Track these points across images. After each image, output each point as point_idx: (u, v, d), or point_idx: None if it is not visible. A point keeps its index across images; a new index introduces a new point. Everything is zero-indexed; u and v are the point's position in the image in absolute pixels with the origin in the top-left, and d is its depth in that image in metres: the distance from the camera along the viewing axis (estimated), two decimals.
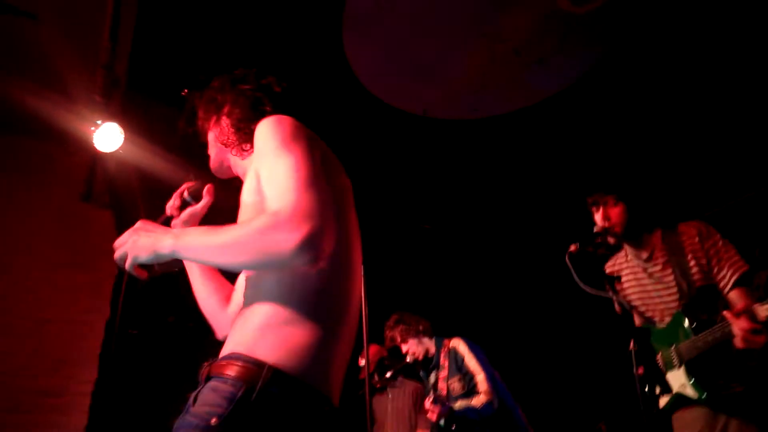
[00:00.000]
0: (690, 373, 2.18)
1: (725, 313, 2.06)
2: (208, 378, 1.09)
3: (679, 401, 2.23)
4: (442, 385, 3.23)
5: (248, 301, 1.18)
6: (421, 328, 3.65)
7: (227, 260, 1.08)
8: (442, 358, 3.39)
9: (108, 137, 3.48)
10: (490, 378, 3.28)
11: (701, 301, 2.24)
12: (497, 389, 3.28)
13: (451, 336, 3.58)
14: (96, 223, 4.48)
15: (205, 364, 1.16)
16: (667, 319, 2.33)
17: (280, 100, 1.49)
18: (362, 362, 4.01)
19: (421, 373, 3.59)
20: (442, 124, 4.31)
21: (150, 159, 3.71)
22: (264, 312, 1.12)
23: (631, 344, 1.98)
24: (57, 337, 4.13)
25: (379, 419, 3.94)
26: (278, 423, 1.02)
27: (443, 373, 3.29)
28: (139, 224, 1.20)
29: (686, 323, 2.23)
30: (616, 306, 2.02)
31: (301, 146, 1.17)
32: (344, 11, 3.32)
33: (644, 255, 2.43)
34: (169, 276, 1.48)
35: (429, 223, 5.22)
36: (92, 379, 4.15)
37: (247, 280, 1.24)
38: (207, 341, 1.30)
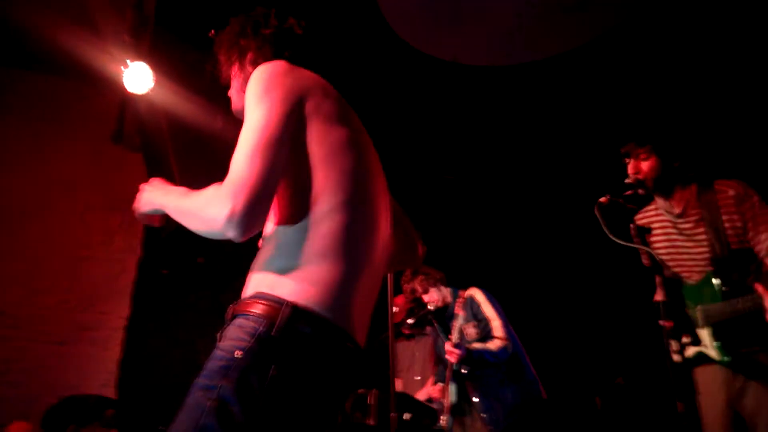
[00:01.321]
0: (716, 336, 2.19)
1: (758, 286, 2.05)
2: (234, 317, 1.14)
3: (701, 358, 2.26)
4: (455, 334, 3.33)
5: (269, 243, 1.20)
6: (438, 277, 3.70)
7: (187, 225, 1.18)
8: (457, 308, 3.47)
9: (138, 78, 3.49)
10: (506, 324, 3.37)
11: (734, 264, 2.20)
12: (511, 337, 3.37)
13: (467, 288, 3.62)
14: (128, 165, 4.56)
15: (231, 305, 1.20)
16: (696, 277, 2.29)
17: (304, 44, 1.46)
18: (396, 309, 4.08)
19: (435, 324, 3.65)
20: (470, 71, 4.17)
21: (178, 101, 3.72)
22: (285, 253, 1.15)
23: (659, 295, 1.95)
24: (92, 275, 4.31)
25: (406, 365, 4.06)
26: (300, 356, 1.08)
27: (457, 322, 3.38)
28: (150, 181, 1.39)
29: (716, 285, 2.21)
30: (644, 258, 1.98)
31: (269, 102, 1.17)
32: None
33: (676, 210, 2.38)
34: None
35: (452, 174, 5.16)
36: (125, 315, 4.34)
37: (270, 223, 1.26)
38: (234, 282, 1.34)
